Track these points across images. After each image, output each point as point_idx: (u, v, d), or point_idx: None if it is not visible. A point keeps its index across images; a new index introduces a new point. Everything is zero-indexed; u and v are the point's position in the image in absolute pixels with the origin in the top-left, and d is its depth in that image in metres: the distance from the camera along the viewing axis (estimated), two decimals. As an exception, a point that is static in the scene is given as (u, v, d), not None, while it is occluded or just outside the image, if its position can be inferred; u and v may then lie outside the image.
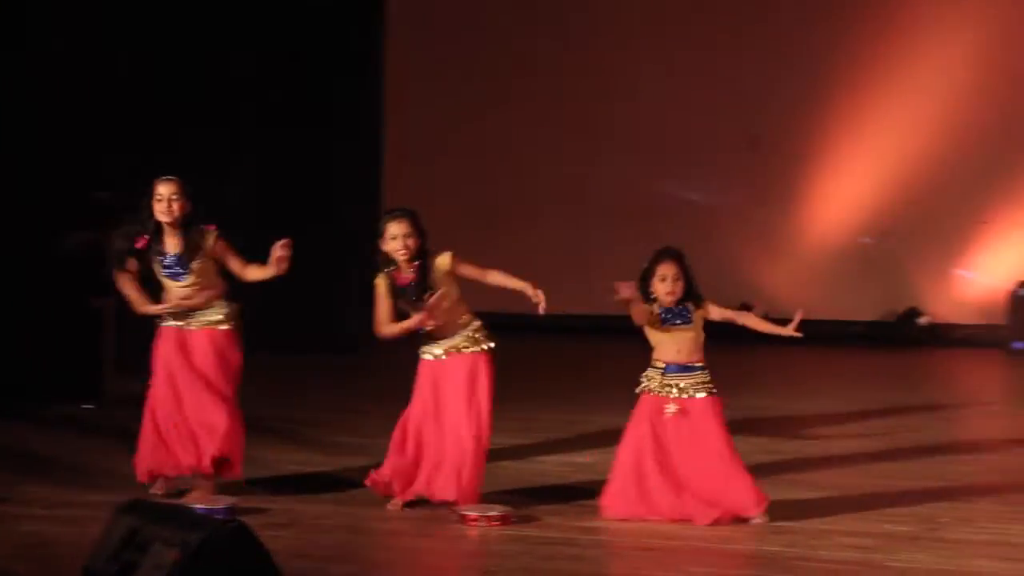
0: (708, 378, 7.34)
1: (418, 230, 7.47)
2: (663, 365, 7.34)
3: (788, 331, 7.50)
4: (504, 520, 7.21)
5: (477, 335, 7.55)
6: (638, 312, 7.27)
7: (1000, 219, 14.29)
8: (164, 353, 7.74)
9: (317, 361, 13.03)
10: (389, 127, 14.79)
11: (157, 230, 7.70)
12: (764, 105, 14.90)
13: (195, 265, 7.71)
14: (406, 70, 15.27)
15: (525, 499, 7.67)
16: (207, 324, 7.76)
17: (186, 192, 7.72)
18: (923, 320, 14.46)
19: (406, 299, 7.47)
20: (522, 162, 15.42)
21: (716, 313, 7.42)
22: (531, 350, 14.20)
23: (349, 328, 13.03)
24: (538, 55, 15.38)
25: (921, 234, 14.46)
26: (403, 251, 7.43)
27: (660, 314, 7.31)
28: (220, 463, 7.64)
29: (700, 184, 14.98)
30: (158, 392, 7.74)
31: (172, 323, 7.78)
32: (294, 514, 7.38)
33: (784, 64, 14.81)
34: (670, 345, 7.33)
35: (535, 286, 7.43)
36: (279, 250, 7.50)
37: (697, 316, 7.36)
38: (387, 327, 7.47)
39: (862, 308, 14.64)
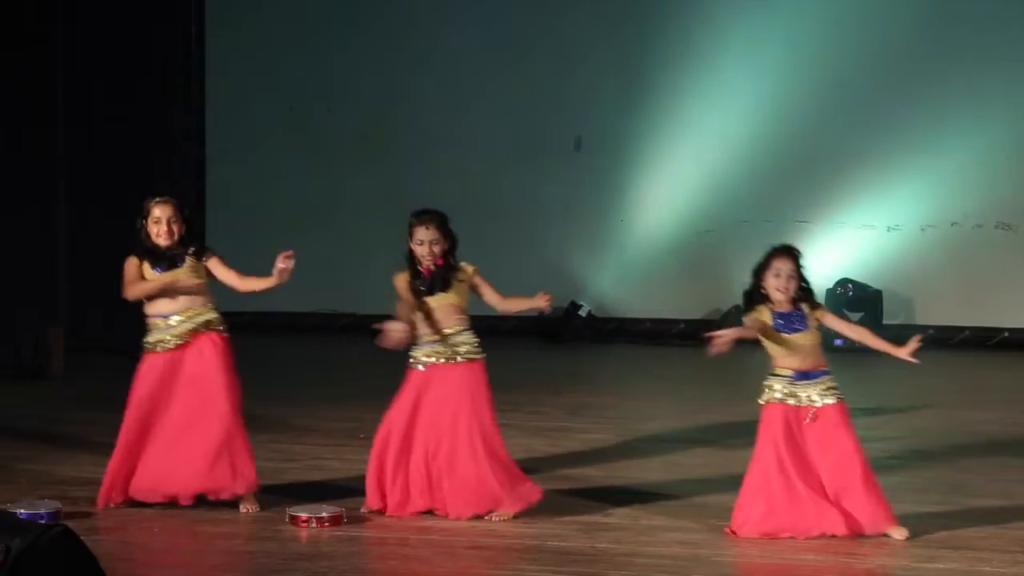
0: (835, 383, 7.07)
1: (446, 233, 7.43)
2: (791, 373, 7.05)
3: (903, 354, 7.07)
4: (335, 521, 7.15)
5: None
6: (751, 322, 7.06)
7: (817, 219, 14.50)
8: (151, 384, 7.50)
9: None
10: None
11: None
12: (588, 106, 14.98)
13: (189, 261, 7.51)
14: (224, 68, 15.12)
15: (358, 499, 7.61)
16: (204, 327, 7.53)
17: (183, 213, 7.57)
18: (582, 311, 14.58)
19: (419, 285, 7.37)
20: (343, 159, 15.30)
21: (831, 321, 7.25)
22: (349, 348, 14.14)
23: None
24: (354, 52, 15.28)
25: (743, 233, 14.63)
26: (429, 258, 7.39)
27: (775, 324, 7.06)
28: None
29: (525, 183, 15.00)
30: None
31: (160, 348, 7.51)
32: (120, 518, 7.26)
33: (608, 65, 14.90)
34: (792, 353, 7.05)
35: (545, 293, 7.42)
36: (282, 261, 7.32)
37: (813, 319, 7.12)
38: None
39: (686, 307, 14.77)
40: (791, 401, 7.00)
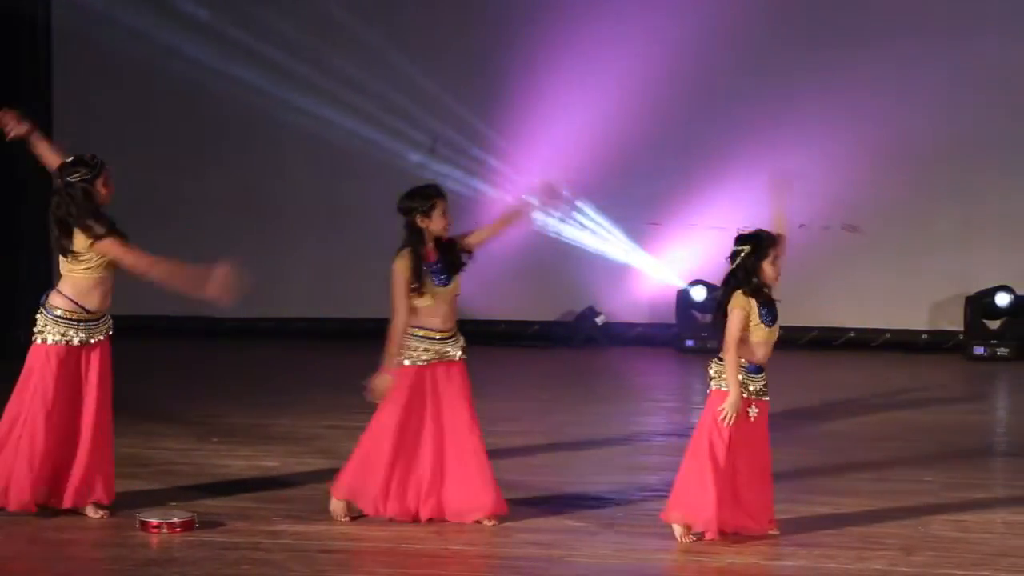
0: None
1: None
2: (747, 364, 6.86)
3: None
4: (186, 526, 7.07)
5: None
6: (737, 317, 6.83)
7: (670, 222, 14.63)
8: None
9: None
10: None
11: None
12: (445, 108, 14.97)
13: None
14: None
15: (210, 503, 7.54)
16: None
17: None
18: (599, 319, 14.74)
19: (432, 276, 7.21)
20: (200, 161, 15.16)
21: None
22: (211, 353, 14.03)
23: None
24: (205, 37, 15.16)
25: (597, 234, 14.73)
26: (447, 228, 7.24)
27: (761, 313, 6.88)
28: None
29: (379, 186, 14.94)
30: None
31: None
32: (-37, 524, 7.12)
33: (463, 70, 14.91)
34: (761, 346, 6.88)
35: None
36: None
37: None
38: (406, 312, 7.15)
39: (541, 309, 14.83)
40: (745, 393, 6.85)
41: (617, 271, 14.85)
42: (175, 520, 7.10)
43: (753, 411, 6.86)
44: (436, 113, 14.94)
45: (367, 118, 14.90)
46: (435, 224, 7.27)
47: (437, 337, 7.28)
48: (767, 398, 6.93)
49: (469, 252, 7.37)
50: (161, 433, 9.56)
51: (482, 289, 15.05)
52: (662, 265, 14.79)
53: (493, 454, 8.95)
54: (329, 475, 8.23)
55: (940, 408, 11.28)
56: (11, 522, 7.17)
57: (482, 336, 14.93)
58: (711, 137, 14.55)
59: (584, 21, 14.71)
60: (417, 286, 7.20)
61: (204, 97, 14.94)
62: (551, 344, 14.62)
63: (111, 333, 7.32)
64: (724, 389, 6.80)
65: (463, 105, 14.89)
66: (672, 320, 14.69)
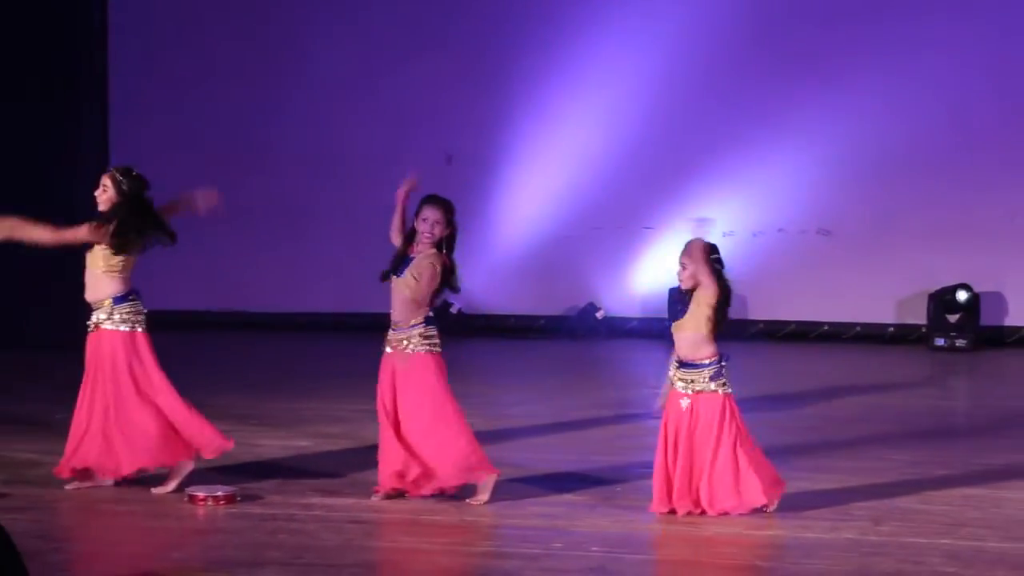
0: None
1: (448, 222, 7.23)
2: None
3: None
4: (229, 499, 7.11)
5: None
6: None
7: (662, 225, 14.64)
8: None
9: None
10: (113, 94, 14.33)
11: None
12: (459, 123, 15.01)
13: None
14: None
15: (250, 479, 7.57)
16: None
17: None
18: (599, 314, 14.75)
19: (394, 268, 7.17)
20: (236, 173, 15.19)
21: None
22: (243, 345, 14.07)
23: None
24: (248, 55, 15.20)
25: (597, 237, 14.76)
26: (428, 236, 7.16)
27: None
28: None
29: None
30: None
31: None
32: (32, 498, 7.16)
33: (473, 85, 14.94)
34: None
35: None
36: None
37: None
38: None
39: (547, 303, 14.86)
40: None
41: (615, 270, 14.87)
42: (219, 494, 7.13)
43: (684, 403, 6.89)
44: (448, 120, 14.98)
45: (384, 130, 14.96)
46: (417, 226, 7.24)
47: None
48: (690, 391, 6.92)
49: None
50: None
51: (494, 287, 15.13)
52: (654, 265, 14.81)
53: (504, 435, 9.03)
54: (355, 454, 8.31)
55: (905, 394, 11.31)
56: (72, 496, 7.23)
57: (494, 329, 15.08)
58: (700, 149, 14.59)
59: (588, 25, 14.75)
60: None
61: (252, 102, 15.03)
62: (556, 336, 14.64)
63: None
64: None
65: (474, 121, 14.93)
66: (664, 315, 14.69)
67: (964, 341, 13.73)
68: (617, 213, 14.75)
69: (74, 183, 13.10)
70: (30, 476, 7.68)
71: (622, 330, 14.78)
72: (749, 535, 6.64)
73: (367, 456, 7.85)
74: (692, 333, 6.99)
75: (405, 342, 7.14)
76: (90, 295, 7.35)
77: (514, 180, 14.92)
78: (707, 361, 6.94)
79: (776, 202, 14.59)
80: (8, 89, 12.91)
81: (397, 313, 7.16)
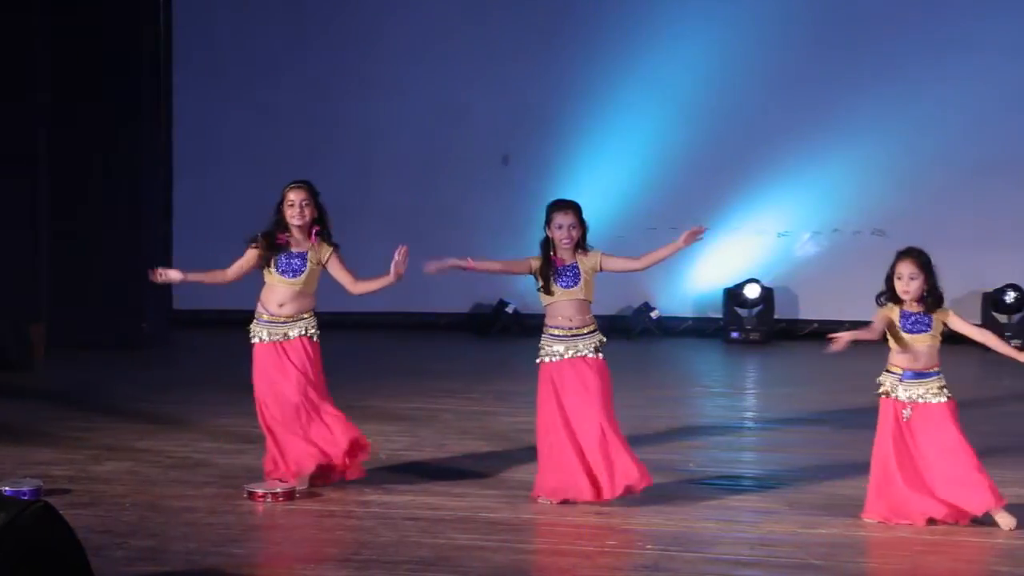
0: (944, 383, 6.74)
1: (580, 221, 7.30)
2: (900, 371, 6.77)
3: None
4: (288, 496, 7.13)
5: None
6: (878, 319, 6.80)
7: (716, 227, 14.56)
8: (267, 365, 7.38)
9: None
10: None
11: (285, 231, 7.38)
12: (515, 126, 15.02)
13: (308, 268, 7.38)
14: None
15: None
16: (302, 334, 7.42)
17: (315, 198, 7.37)
18: (654, 314, 14.70)
19: (556, 279, 7.29)
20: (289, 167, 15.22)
21: (956, 323, 6.79)
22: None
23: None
24: (308, 59, 15.25)
25: (652, 238, 14.68)
26: (567, 240, 7.23)
27: (901, 322, 6.75)
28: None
29: (463, 195, 15.03)
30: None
31: (267, 339, 7.39)
32: (94, 495, 7.20)
33: (529, 86, 14.94)
34: (907, 353, 6.74)
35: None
36: (397, 257, 7.19)
37: (936, 322, 6.74)
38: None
39: (602, 303, 14.79)
40: (897, 395, 6.76)
41: (669, 271, 14.82)
42: (279, 490, 7.16)
43: (906, 414, 6.73)
44: (508, 130, 14.99)
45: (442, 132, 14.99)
46: (552, 234, 7.26)
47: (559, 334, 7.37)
48: (938, 399, 6.73)
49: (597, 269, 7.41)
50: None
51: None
52: (709, 266, 14.76)
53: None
54: (411, 452, 8.31)
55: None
56: (135, 492, 7.27)
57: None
58: (757, 151, 14.56)
59: (643, 27, 14.72)
60: (543, 285, 7.22)
61: (317, 104, 15.09)
62: (612, 335, 14.58)
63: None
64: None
65: (532, 124, 14.94)
66: (718, 314, 14.68)
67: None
68: (671, 214, 14.68)
69: (137, 182, 13.28)
70: (94, 473, 7.73)
71: (676, 329, 14.74)
72: (806, 533, 6.59)
73: (422, 452, 7.83)
74: (932, 344, 6.80)
75: (583, 348, 7.40)
76: (289, 309, 7.41)
77: (569, 181, 14.88)
78: (935, 370, 6.82)
79: (831, 203, 14.52)
80: (76, 90, 12.98)
81: (575, 320, 7.46)
